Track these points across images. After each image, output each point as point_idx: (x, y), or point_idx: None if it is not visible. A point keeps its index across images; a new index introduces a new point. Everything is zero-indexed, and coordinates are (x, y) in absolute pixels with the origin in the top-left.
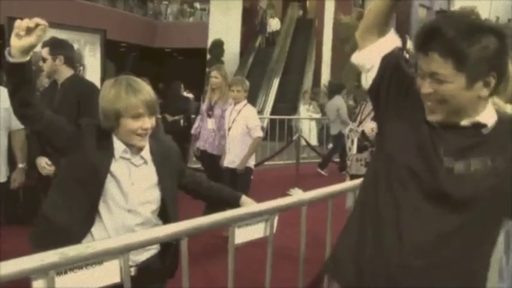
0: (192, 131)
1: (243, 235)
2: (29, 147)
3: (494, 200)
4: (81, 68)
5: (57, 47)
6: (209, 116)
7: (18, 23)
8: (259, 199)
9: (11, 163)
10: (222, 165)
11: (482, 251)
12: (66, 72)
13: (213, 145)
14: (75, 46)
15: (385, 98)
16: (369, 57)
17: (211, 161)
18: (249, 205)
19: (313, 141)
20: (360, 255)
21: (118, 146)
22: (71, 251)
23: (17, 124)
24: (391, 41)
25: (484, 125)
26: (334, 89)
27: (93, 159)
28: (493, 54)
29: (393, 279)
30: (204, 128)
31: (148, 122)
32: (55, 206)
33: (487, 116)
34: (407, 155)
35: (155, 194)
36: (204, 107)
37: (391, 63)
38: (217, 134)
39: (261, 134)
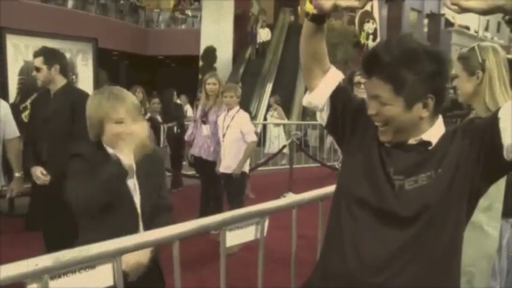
0: (186, 138)
1: (234, 238)
2: (23, 155)
3: (440, 210)
4: (74, 76)
5: (52, 56)
6: (204, 122)
7: None
8: (253, 204)
9: (7, 172)
10: (218, 172)
11: (442, 261)
12: (60, 81)
13: (208, 151)
14: (68, 55)
15: (342, 131)
16: (319, 98)
17: (207, 167)
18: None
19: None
20: (327, 274)
21: (111, 152)
22: (65, 255)
23: (11, 132)
24: (334, 77)
25: (429, 143)
26: None
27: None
28: (428, 77)
29: None
30: (199, 134)
31: (131, 128)
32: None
33: (432, 134)
34: (358, 185)
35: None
36: (198, 113)
37: (340, 99)
38: (212, 140)
39: (255, 138)
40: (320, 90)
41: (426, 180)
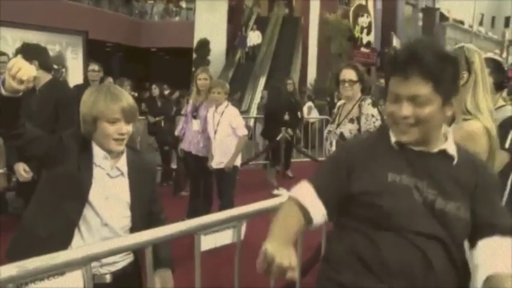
0: (176, 133)
1: (210, 242)
2: (6, 152)
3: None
4: (63, 70)
5: (30, 52)
6: (194, 117)
7: (14, 69)
8: (244, 198)
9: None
10: (210, 167)
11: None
12: (43, 77)
13: (197, 146)
14: (57, 48)
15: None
16: (320, 216)
17: (196, 162)
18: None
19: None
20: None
21: (97, 152)
22: (31, 264)
23: None
24: (307, 194)
25: (451, 156)
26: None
27: (76, 171)
28: (455, 78)
29: None
30: (189, 129)
31: (125, 128)
32: (35, 218)
33: (452, 147)
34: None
35: (128, 209)
36: (188, 108)
37: (326, 193)
38: (202, 136)
39: (246, 132)
40: (315, 211)
41: (453, 211)
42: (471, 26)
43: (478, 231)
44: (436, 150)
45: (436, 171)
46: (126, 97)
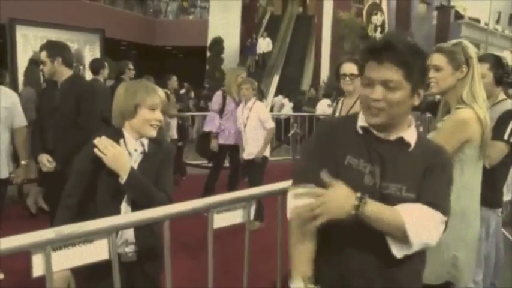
0: (214, 129)
1: (222, 220)
2: (30, 143)
3: None
4: (81, 67)
5: (54, 49)
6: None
7: None
8: None
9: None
10: (241, 159)
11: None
12: (65, 73)
13: (238, 137)
14: (75, 46)
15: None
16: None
17: (235, 152)
18: None
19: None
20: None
21: (128, 137)
22: (66, 229)
23: (19, 121)
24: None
25: (408, 143)
26: None
27: None
28: (423, 71)
29: None
30: (234, 124)
31: (161, 116)
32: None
33: (410, 135)
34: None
35: None
36: (231, 104)
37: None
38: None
39: (273, 124)
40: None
41: (394, 192)
42: (487, 24)
43: None
44: (394, 137)
45: (389, 157)
46: (161, 90)
